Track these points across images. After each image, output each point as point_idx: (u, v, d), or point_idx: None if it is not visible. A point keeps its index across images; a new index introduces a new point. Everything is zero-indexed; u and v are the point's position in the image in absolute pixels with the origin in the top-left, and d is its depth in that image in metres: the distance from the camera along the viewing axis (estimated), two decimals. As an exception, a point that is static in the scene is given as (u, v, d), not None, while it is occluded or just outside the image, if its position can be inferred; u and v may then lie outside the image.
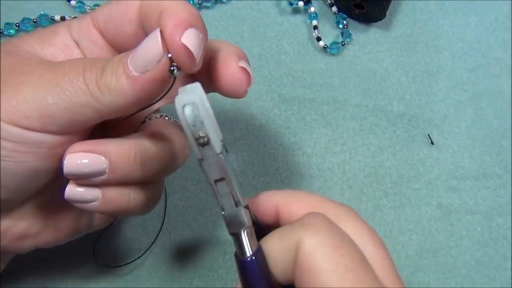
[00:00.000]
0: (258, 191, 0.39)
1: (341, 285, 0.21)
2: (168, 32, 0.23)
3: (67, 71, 0.24)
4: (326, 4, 0.45)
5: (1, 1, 0.43)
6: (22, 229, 0.29)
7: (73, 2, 0.43)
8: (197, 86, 0.23)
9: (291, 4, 0.44)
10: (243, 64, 0.26)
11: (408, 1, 0.46)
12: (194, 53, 0.23)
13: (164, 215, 0.38)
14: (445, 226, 0.39)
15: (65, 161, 0.25)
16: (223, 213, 0.24)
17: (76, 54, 0.28)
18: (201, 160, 0.23)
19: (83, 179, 0.25)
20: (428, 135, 0.42)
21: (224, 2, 0.45)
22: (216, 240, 0.38)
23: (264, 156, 0.41)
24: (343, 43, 0.43)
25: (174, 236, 0.38)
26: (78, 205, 0.26)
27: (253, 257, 0.23)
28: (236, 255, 0.24)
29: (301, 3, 0.44)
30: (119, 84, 0.23)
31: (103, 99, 0.24)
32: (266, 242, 0.24)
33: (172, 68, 0.23)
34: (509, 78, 0.43)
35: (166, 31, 0.23)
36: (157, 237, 0.38)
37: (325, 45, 0.43)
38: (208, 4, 0.44)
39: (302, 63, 0.43)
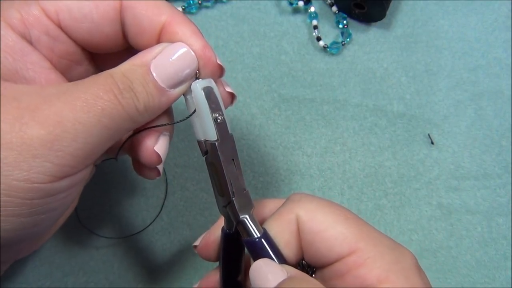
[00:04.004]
0: (258, 191, 0.40)
1: (347, 229, 0.24)
2: (202, 52, 0.25)
3: (104, 106, 0.22)
4: (326, 4, 0.45)
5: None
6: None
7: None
8: (210, 79, 0.26)
9: (291, 4, 0.44)
10: (229, 88, 0.28)
11: (408, 1, 0.46)
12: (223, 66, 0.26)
13: (161, 209, 0.39)
14: (445, 226, 0.39)
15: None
16: (233, 198, 0.25)
17: (36, 57, 0.25)
18: (216, 141, 0.25)
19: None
20: (428, 135, 0.42)
21: (224, 2, 0.45)
22: (216, 240, 0.38)
23: (264, 156, 0.41)
24: (343, 43, 0.43)
25: (174, 236, 0.38)
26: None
27: (264, 236, 0.25)
28: (244, 241, 0.25)
29: (301, 3, 0.44)
30: (156, 103, 0.24)
31: (141, 119, 0.25)
32: (266, 225, 0.26)
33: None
34: (509, 78, 0.43)
35: (197, 50, 0.25)
36: (149, 225, 0.38)
37: (325, 45, 0.43)
38: (208, 4, 0.44)
39: (302, 63, 0.43)
